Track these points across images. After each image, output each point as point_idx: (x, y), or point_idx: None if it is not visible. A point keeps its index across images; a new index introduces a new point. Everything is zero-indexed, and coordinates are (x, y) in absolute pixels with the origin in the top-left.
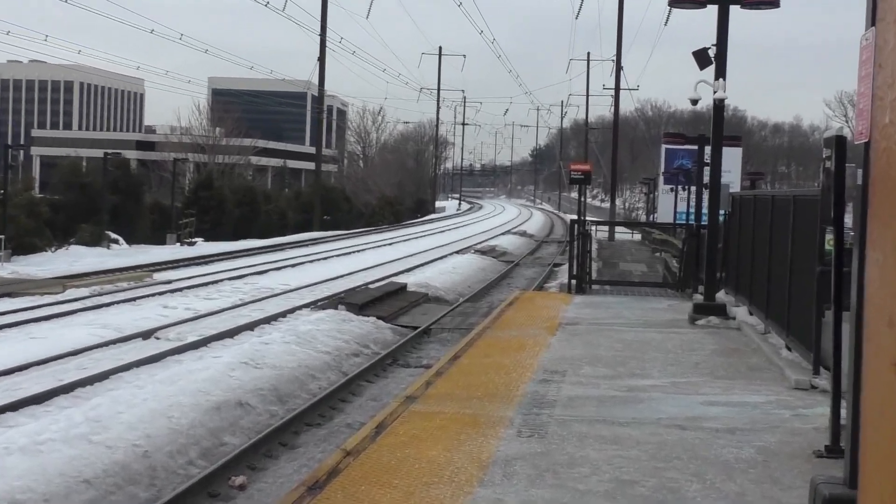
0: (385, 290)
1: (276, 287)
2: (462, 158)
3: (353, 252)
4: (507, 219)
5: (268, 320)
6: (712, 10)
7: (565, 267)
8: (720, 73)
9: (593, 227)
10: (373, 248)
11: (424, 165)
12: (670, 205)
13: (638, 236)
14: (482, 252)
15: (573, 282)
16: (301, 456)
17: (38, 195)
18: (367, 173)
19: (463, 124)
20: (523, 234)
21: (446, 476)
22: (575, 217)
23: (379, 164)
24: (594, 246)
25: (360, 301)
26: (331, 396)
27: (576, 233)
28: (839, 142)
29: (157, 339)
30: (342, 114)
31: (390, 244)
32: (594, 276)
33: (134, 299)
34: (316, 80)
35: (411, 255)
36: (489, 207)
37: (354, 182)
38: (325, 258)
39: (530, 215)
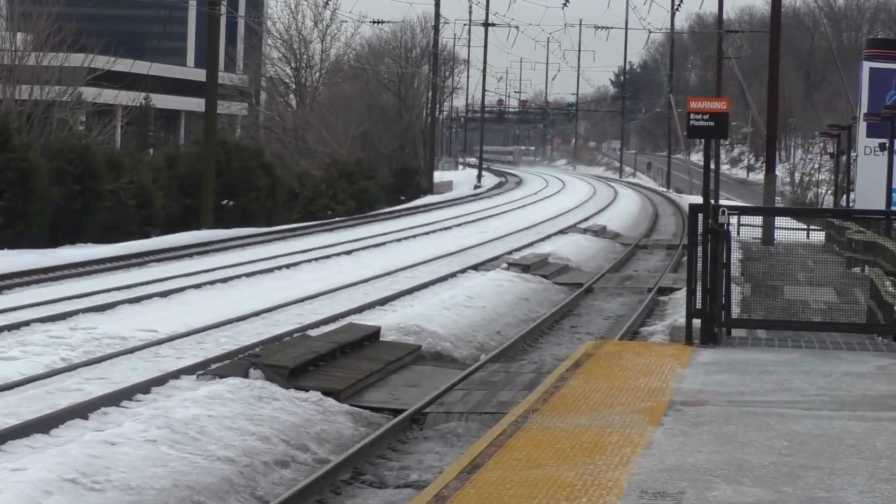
0: (338, 339)
1: (133, 335)
2: (484, 91)
3: (279, 267)
4: (568, 204)
5: (116, 399)
6: None
7: (680, 295)
8: None
9: (734, 220)
10: (315, 259)
11: (413, 105)
12: (880, 176)
13: (819, 236)
14: (523, 267)
15: (696, 322)
16: None
17: None
18: (306, 119)
19: (486, 25)
20: (600, 232)
21: None
22: (699, 201)
23: (327, 100)
24: (737, 255)
25: (292, 362)
26: None
27: (700, 230)
28: None
29: None
30: (257, 7)
31: (349, 253)
32: (736, 311)
33: None
34: None
35: (389, 274)
36: (534, 182)
37: (281, 135)
38: (224, 279)
39: (613, 197)
